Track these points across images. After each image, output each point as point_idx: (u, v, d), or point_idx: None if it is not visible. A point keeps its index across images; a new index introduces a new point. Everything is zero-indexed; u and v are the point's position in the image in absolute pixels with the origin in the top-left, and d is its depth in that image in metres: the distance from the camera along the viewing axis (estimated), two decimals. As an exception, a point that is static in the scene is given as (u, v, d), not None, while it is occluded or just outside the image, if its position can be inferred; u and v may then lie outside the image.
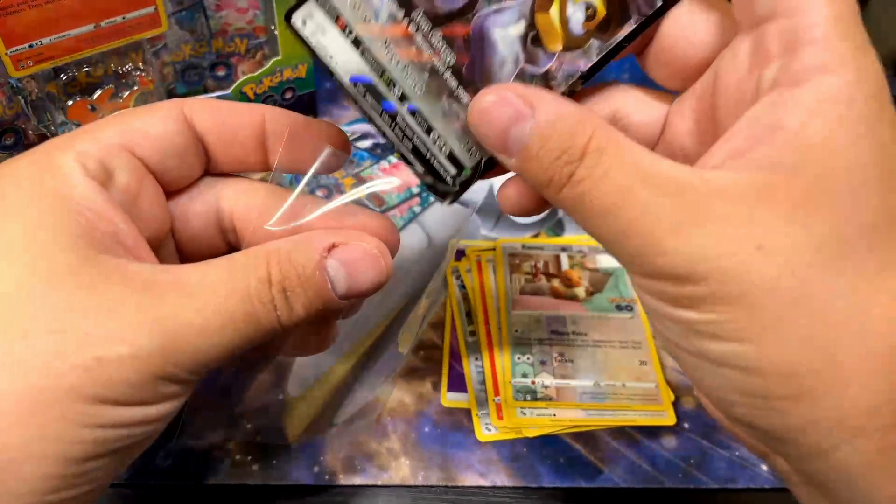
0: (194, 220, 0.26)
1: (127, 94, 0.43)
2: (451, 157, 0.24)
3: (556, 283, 0.43)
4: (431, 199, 0.48)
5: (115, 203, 0.22)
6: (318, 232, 0.23)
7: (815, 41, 0.18)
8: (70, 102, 0.41)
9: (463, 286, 0.43)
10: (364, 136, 0.51)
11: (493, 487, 0.35)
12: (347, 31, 0.22)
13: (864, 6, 0.72)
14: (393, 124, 0.23)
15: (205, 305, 0.21)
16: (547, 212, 0.48)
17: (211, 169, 0.26)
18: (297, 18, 0.22)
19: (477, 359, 0.40)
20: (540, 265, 0.44)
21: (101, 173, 0.22)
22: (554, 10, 0.22)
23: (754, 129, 0.19)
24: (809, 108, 0.18)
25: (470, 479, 0.35)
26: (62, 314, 0.20)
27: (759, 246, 0.18)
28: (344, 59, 0.22)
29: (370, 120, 0.23)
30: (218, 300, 0.21)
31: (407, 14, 0.22)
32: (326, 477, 0.35)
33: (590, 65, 0.23)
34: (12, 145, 0.41)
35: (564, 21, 0.23)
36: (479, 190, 0.49)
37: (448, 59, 0.23)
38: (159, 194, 0.24)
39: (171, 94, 0.46)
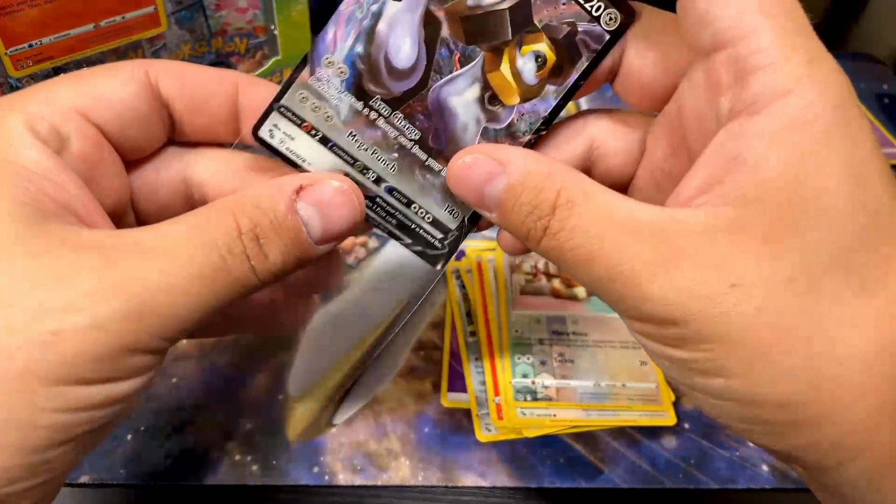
0: (160, 191, 0.24)
1: (126, 93, 0.43)
2: (435, 223, 0.25)
3: (556, 283, 0.43)
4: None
5: (67, 169, 0.20)
6: (281, 178, 0.22)
7: (764, 67, 0.18)
8: (69, 102, 0.41)
9: (463, 286, 0.43)
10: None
11: (493, 488, 0.35)
12: (314, 132, 0.23)
13: (864, 6, 0.72)
14: (374, 207, 0.24)
15: (170, 264, 0.19)
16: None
17: (176, 137, 0.24)
18: (264, 131, 0.23)
19: (477, 359, 0.40)
20: (540, 265, 0.44)
21: (54, 138, 0.20)
22: (504, 67, 0.23)
23: (718, 161, 0.19)
24: (767, 138, 0.18)
25: (470, 480, 0.35)
26: (10, 285, 0.18)
27: (733, 284, 0.18)
28: (316, 160, 0.23)
29: None
30: (184, 257, 0.19)
31: (366, 104, 0.23)
32: (326, 477, 0.35)
33: (550, 109, 0.23)
34: (12, 145, 0.41)
35: (517, 75, 0.23)
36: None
37: (412, 135, 0.23)
38: (117, 163, 0.23)
39: (170, 94, 0.46)
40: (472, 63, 0.23)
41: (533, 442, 0.37)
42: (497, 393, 0.38)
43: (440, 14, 0.22)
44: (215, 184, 0.24)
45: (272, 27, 0.46)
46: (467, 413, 0.38)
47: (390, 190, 0.24)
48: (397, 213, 0.24)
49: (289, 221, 0.21)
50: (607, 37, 0.22)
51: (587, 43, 0.23)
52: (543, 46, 0.23)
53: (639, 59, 0.23)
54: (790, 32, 0.18)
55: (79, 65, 0.40)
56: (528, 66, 0.23)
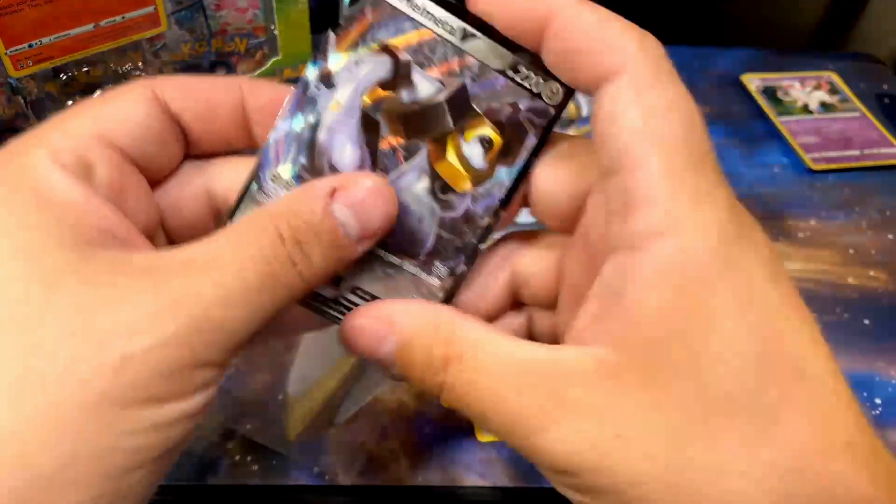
0: (185, 207, 0.24)
1: (126, 93, 0.43)
2: None
3: (556, 283, 0.43)
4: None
5: (99, 196, 0.20)
6: (314, 182, 0.22)
7: (646, 202, 0.18)
8: (70, 102, 0.41)
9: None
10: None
11: (493, 488, 0.35)
12: None
13: (864, 6, 0.72)
14: (338, 308, 0.24)
15: (222, 278, 0.19)
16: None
17: (192, 151, 0.24)
18: None
19: (477, 359, 0.40)
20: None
21: (80, 168, 0.21)
22: (451, 156, 0.23)
23: (602, 296, 0.19)
24: (645, 278, 0.18)
25: (470, 480, 0.35)
26: (72, 315, 0.18)
27: (617, 435, 0.18)
28: None
29: (318, 313, 0.24)
30: (234, 270, 0.19)
31: None
32: (326, 477, 0.35)
33: (505, 189, 0.23)
34: (12, 145, 0.41)
35: (465, 161, 0.23)
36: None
37: None
38: (143, 184, 0.23)
39: (170, 94, 0.46)
40: (417, 156, 0.23)
41: (533, 442, 0.37)
42: (497, 393, 0.38)
43: (378, 115, 0.22)
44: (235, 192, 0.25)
45: (272, 27, 0.46)
46: (467, 413, 0.38)
47: (353, 289, 0.24)
48: None
49: (326, 224, 0.21)
50: (552, 111, 0.22)
51: (532, 120, 0.22)
52: (487, 129, 0.22)
53: (546, 181, 0.23)
54: (679, 166, 0.18)
55: (79, 65, 0.40)
56: (475, 152, 0.23)
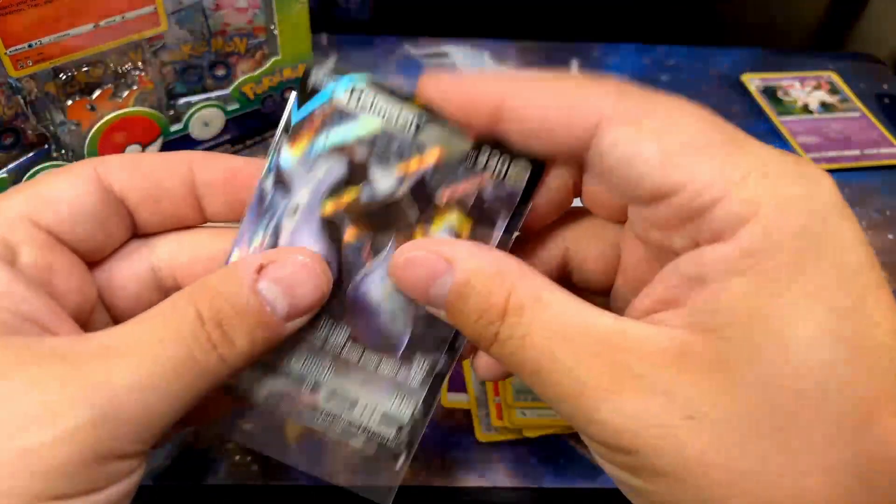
0: (130, 285, 0.24)
1: (126, 93, 0.43)
2: (385, 419, 0.24)
3: (556, 283, 0.43)
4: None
5: (21, 279, 0.20)
6: (242, 259, 0.21)
7: (713, 204, 0.17)
8: (69, 102, 0.41)
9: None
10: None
11: (493, 488, 0.35)
12: None
13: (865, 6, 0.72)
14: (317, 416, 0.23)
15: (137, 364, 0.18)
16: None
17: (140, 230, 0.24)
18: None
19: (477, 359, 0.40)
20: (540, 265, 0.44)
21: (3, 250, 0.20)
22: None
23: (677, 278, 0.18)
24: (730, 263, 0.17)
25: (470, 480, 0.35)
26: None
27: (688, 416, 0.17)
28: (254, 386, 0.23)
29: (296, 421, 0.23)
30: (150, 355, 0.18)
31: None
32: (326, 477, 0.35)
33: None
34: (11, 145, 0.41)
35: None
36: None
37: (341, 337, 0.23)
38: (76, 265, 0.22)
39: (170, 94, 0.46)
40: (385, 251, 0.22)
41: (533, 442, 0.37)
42: (497, 393, 0.38)
43: (338, 216, 0.22)
44: (184, 268, 0.24)
45: (272, 27, 0.46)
46: (467, 413, 0.37)
47: (330, 395, 0.23)
48: (342, 414, 0.24)
49: (252, 303, 0.20)
50: (520, 192, 0.21)
51: (500, 203, 0.21)
52: (454, 218, 0.22)
53: (591, 186, 0.22)
54: (723, 154, 0.17)
55: (78, 65, 0.40)
56: None
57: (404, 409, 0.24)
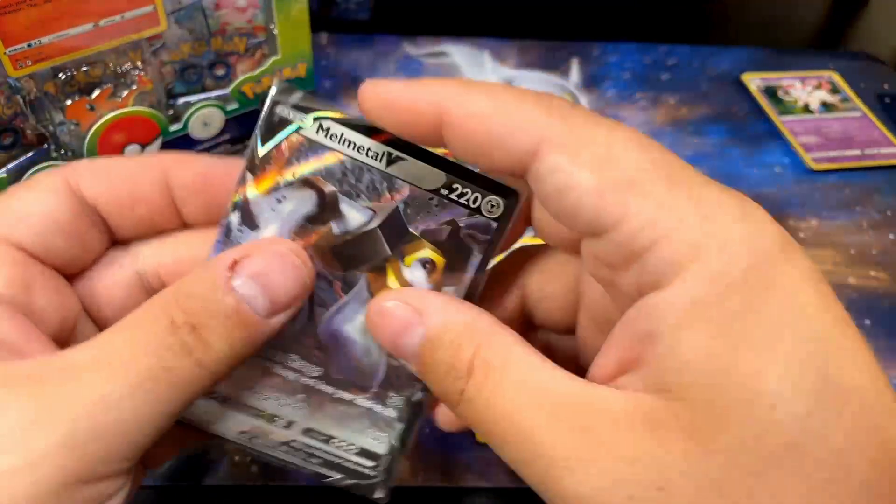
0: (116, 293, 0.23)
1: (126, 93, 0.43)
2: (362, 453, 0.23)
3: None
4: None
5: None
6: (216, 256, 0.20)
7: (655, 242, 0.16)
8: (69, 102, 0.41)
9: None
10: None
11: (493, 488, 0.35)
12: (214, 394, 0.23)
13: (865, 5, 0.72)
14: (292, 451, 0.23)
15: (107, 379, 0.17)
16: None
17: (118, 238, 0.23)
18: None
19: (477, 359, 0.39)
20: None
21: None
22: (392, 282, 0.22)
23: (630, 337, 0.17)
24: (679, 315, 0.16)
25: (470, 480, 0.35)
26: None
27: (659, 487, 0.16)
28: (226, 423, 0.23)
29: (273, 458, 0.23)
30: (121, 368, 0.18)
31: (257, 356, 0.22)
32: (326, 478, 0.35)
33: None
34: (10, 145, 0.41)
35: (407, 285, 0.22)
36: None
37: (314, 372, 0.22)
38: (53, 279, 0.21)
39: (169, 94, 0.46)
40: (357, 287, 0.22)
41: (533, 442, 0.36)
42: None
43: (308, 251, 0.21)
44: (171, 269, 0.23)
45: (272, 26, 0.46)
46: (467, 413, 0.37)
47: (306, 431, 0.23)
48: (318, 451, 0.23)
49: (227, 302, 0.19)
50: (494, 225, 0.21)
51: (475, 236, 0.21)
52: (427, 251, 0.21)
53: (540, 217, 0.21)
54: (663, 189, 0.16)
55: (78, 64, 0.40)
56: (417, 275, 0.22)
57: (381, 441, 0.23)
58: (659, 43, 0.63)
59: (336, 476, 0.24)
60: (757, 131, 0.56)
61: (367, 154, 0.21)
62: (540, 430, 0.17)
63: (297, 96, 0.21)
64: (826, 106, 0.58)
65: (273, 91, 0.21)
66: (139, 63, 0.43)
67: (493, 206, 0.21)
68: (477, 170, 0.21)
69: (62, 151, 0.42)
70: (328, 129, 0.20)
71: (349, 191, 0.21)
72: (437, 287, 0.22)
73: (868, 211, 0.50)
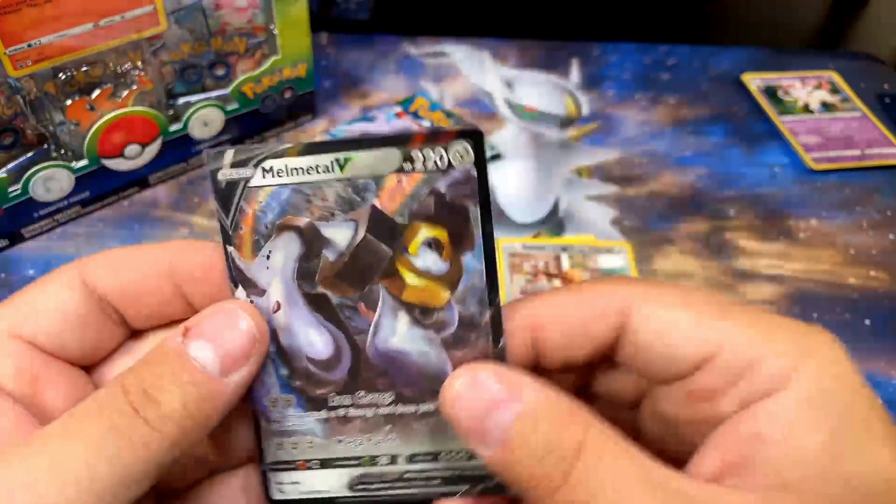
0: None
1: (126, 93, 0.43)
2: (475, 455, 0.22)
3: (556, 283, 0.43)
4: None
5: None
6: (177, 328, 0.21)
7: (754, 363, 0.18)
8: (69, 102, 0.41)
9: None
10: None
11: (494, 488, 0.35)
12: (311, 463, 0.22)
13: (865, 5, 0.72)
14: (409, 483, 0.22)
15: (65, 443, 0.17)
16: (548, 212, 0.48)
17: (135, 328, 0.23)
18: (275, 494, 0.22)
19: (477, 359, 0.39)
20: (540, 265, 0.44)
21: None
22: (409, 278, 0.21)
23: (735, 439, 0.18)
24: (789, 416, 0.18)
25: (470, 480, 0.35)
26: None
27: None
28: (333, 484, 0.22)
29: (396, 497, 0.22)
30: (77, 432, 0.18)
31: (328, 408, 0.22)
32: (326, 478, 0.35)
33: (482, 274, 0.21)
34: (10, 145, 0.41)
35: (426, 275, 0.21)
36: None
37: (387, 399, 0.22)
38: (67, 372, 0.22)
39: (169, 94, 0.46)
40: (380, 300, 0.21)
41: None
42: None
43: (319, 290, 0.21)
44: None
45: (271, 26, 0.46)
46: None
47: (411, 458, 0.22)
48: (433, 472, 0.22)
49: (181, 366, 0.19)
50: (473, 171, 0.20)
51: (461, 191, 0.20)
52: (426, 231, 0.21)
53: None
54: (746, 319, 0.19)
55: (78, 64, 0.40)
56: (429, 259, 0.21)
57: None
58: (659, 43, 0.63)
59: (464, 488, 0.22)
60: (757, 131, 0.55)
61: (318, 171, 0.20)
62: None
63: (229, 155, 0.21)
64: (826, 106, 0.58)
65: (208, 161, 0.21)
66: (139, 63, 0.43)
67: (461, 154, 0.20)
68: (423, 129, 0.20)
69: (62, 151, 0.42)
70: (271, 168, 0.20)
71: (322, 214, 0.21)
72: (454, 261, 0.21)
73: (868, 211, 0.50)
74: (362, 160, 0.20)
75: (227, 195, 0.21)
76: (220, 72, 0.47)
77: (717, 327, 0.19)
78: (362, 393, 0.22)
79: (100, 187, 0.45)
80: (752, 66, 0.61)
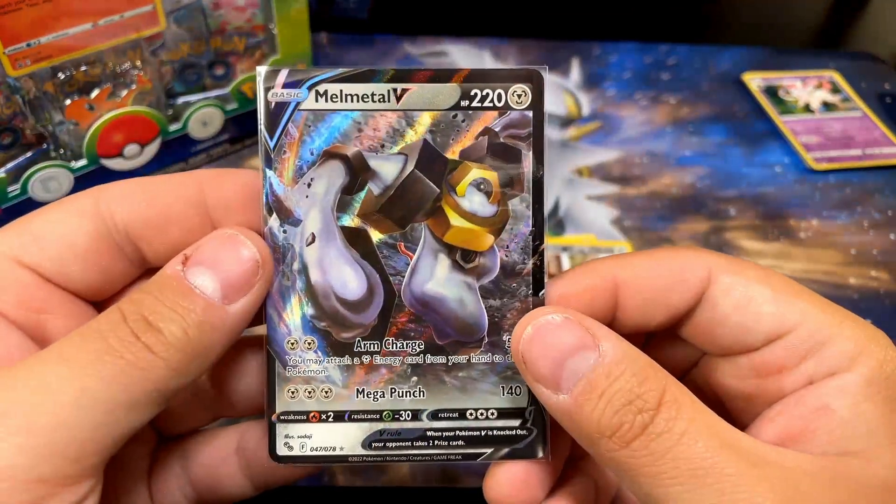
0: None
1: (125, 92, 0.43)
2: (504, 413, 0.21)
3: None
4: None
5: None
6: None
7: (825, 342, 0.19)
8: (68, 101, 0.41)
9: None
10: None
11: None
12: (325, 415, 0.21)
13: (866, 5, 0.72)
14: (431, 443, 0.21)
15: (60, 369, 0.17)
16: (548, 212, 0.48)
17: (151, 263, 0.22)
18: (281, 450, 0.21)
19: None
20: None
21: None
22: (454, 219, 0.20)
23: (800, 409, 0.20)
24: (857, 392, 0.19)
25: (470, 480, 0.35)
26: None
27: None
28: (347, 438, 0.21)
29: (416, 459, 0.21)
30: (66, 363, 0.17)
31: (351, 355, 0.21)
32: (326, 478, 0.35)
33: (530, 220, 0.20)
34: (10, 144, 0.41)
35: (472, 217, 0.20)
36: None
37: (416, 347, 0.21)
38: (72, 302, 0.21)
39: (169, 93, 0.46)
40: (421, 240, 0.20)
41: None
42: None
43: (359, 224, 0.20)
44: None
45: (271, 26, 0.46)
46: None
47: (435, 414, 0.21)
48: (457, 432, 0.21)
49: (182, 291, 0.18)
50: (530, 114, 0.20)
51: (515, 134, 0.20)
52: (476, 172, 0.20)
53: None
54: (819, 300, 0.20)
55: (77, 64, 0.40)
56: (476, 201, 0.20)
57: (519, 392, 0.21)
58: (659, 43, 0.63)
59: (488, 450, 0.21)
60: (757, 131, 0.55)
61: (373, 100, 0.20)
62: (743, 478, 0.17)
63: (283, 75, 0.20)
64: (827, 106, 0.58)
65: (260, 79, 0.20)
66: (138, 63, 0.42)
67: (520, 95, 0.20)
68: (486, 68, 0.20)
69: (61, 151, 0.42)
70: (326, 93, 0.20)
71: (372, 144, 0.20)
72: (501, 204, 0.20)
73: (869, 211, 0.50)
74: (420, 92, 0.20)
75: (275, 116, 0.20)
76: (220, 71, 0.47)
77: (794, 306, 0.20)
78: (391, 339, 0.21)
79: (99, 187, 0.45)
80: (753, 65, 0.61)
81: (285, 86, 0.20)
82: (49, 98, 0.40)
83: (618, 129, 0.55)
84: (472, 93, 0.20)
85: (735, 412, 0.22)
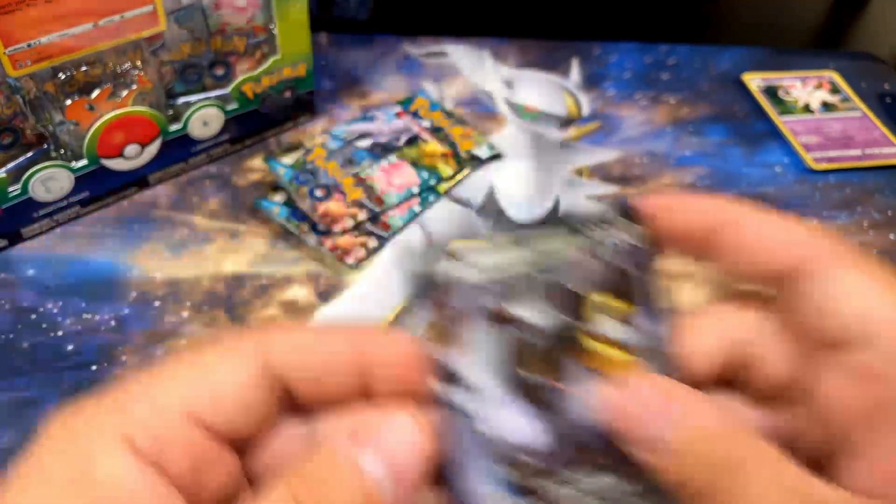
0: (283, 462, 0.21)
1: (125, 93, 0.43)
2: None
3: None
4: (430, 199, 0.48)
5: (159, 487, 0.18)
6: (337, 433, 0.20)
7: None
8: (68, 102, 0.41)
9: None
10: (363, 136, 0.51)
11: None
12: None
13: (866, 5, 0.72)
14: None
15: None
16: (547, 211, 0.48)
17: (296, 409, 0.22)
18: None
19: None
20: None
21: (154, 451, 0.18)
22: (595, 346, 0.21)
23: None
24: None
25: (470, 481, 0.35)
26: None
27: None
28: None
29: None
30: None
31: (533, 495, 0.20)
32: (326, 478, 0.35)
33: (663, 339, 0.21)
34: (10, 145, 0.41)
35: (609, 342, 0.21)
36: (478, 189, 0.49)
37: (592, 475, 0.21)
38: (227, 459, 0.20)
39: (169, 93, 0.46)
40: (573, 373, 0.21)
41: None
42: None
43: (521, 374, 0.21)
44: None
45: (271, 26, 0.46)
46: (467, 414, 0.37)
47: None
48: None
49: (351, 476, 0.18)
50: (637, 241, 0.22)
51: (631, 260, 0.22)
52: (611, 307, 0.21)
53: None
54: None
55: (77, 64, 0.40)
56: (609, 327, 0.21)
57: None
58: (659, 43, 0.63)
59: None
60: (757, 131, 0.55)
61: (512, 261, 0.22)
62: None
63: (445, 250, 0.21)
64: (826, 106, 0.58)
65: (412, 262, 0.21)
66: (139, 63, 0.42)
67: (625, 228, 0.22)
68: (592, 213, 0.22)
69: (62, 151, 0.42)
70: (471, 261, 0.21)
71: (520, 301, 0.21)
72: (637, 328, 0.22)
73: (868, 211, 0.50)
74: (549, 245, 0.22)
75: (426, 287, 0.21)
76: (220, 71, 0.47)
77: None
78: (568, 473, 0.21)
79: (99, 187, 0.45)
80: (753, 65, 0.61)
81: (447, 254, 0.22)
82: (49, 98, 0.40)
83: (618, 129, 0.55)
84: (588, 234, 0.22)
85: (835, 430, 0.20)
